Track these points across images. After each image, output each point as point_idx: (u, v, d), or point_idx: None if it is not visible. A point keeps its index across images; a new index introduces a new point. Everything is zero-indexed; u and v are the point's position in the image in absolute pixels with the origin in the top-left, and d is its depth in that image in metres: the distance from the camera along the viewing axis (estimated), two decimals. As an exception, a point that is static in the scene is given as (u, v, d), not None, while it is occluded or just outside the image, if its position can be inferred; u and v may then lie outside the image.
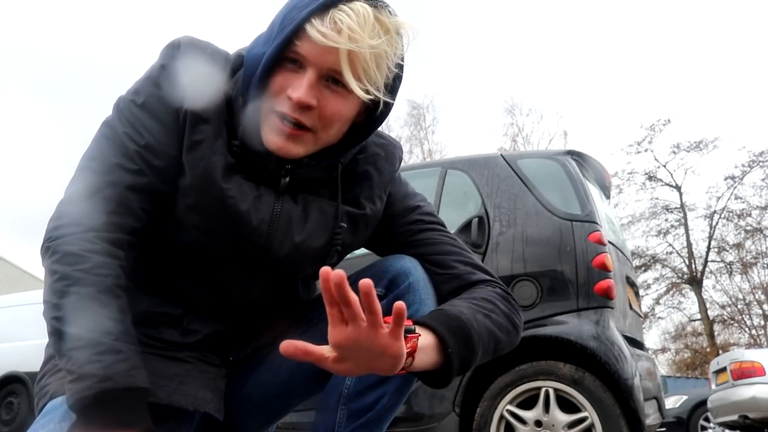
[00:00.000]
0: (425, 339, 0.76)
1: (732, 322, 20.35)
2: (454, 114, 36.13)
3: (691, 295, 19.90)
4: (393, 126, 21.24)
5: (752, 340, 19.67)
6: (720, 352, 16.34)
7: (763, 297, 19.46)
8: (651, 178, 19.57)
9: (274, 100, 0.81)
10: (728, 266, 19.61)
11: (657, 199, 19.75)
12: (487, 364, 2.62)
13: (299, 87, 0.79)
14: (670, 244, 19.75)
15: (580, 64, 33.54)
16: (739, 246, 19.27)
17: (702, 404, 8.27)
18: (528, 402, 2.56)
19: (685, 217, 19.41)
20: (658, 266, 20.06)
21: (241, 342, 0.98)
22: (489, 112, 43.15)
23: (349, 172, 0.95)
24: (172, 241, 0.88)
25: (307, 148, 0.85)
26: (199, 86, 0.85)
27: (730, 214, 19.05)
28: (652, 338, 22.54)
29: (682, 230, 19.56)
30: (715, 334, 19.70)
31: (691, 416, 8.61)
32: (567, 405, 2.50)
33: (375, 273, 0.95)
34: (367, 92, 0.80)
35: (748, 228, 18.96)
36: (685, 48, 34.31)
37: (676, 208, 19.57)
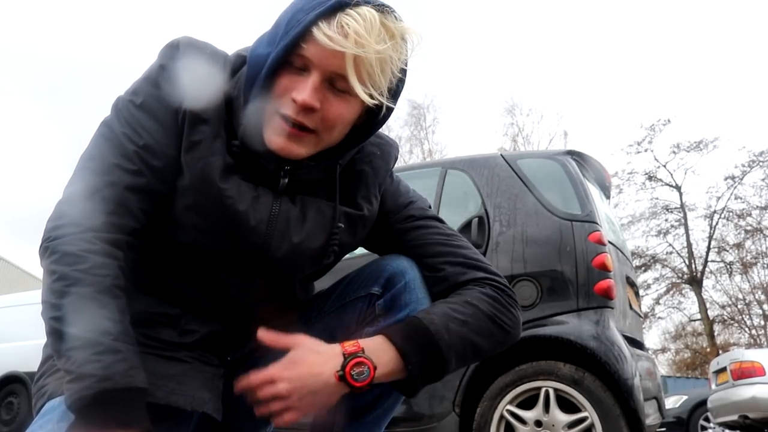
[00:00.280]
0: (383, 350, 0.83)
1: (732, 322, 20.36)
2: (454, 114, 36.16)
3: (691, 295, 19.91)
4: (393, 126, 21.24)
5: (752, 340, 19.67)
6: (720, 352, 16.34)
7: (763, 297, 19.46)
8: (651, 178, 19.57)
9: (278, 101, 0.81)
10: (728, 266, 19.62)
11: (657, 199, 19.78)
12: (487, 364, 2.63)
13: (304, 89, 0.79)
14: (670, 244, 19.77)
15: (580, 65, 33.58)
16: (739, 246, 19.28)
17: (702, 404, 8.27)
18: (528, 402, 2.56)
19: (685, 217, 19.42)
20: (658, 266, 20.07)
21: (239, 342, 0.98)
22: (489, 112, 43.19)
23: (346, 171, 0.95)
24: (170, 241, 0.88)
25: (309, 150, 0.85)
26: (198, 86, 0.85)
27: (730, 214, 19.07)
28: (652, 338, 22.58)
29: (682, 230, 19.57)
30: (715, 334, 19.70)
31: (691, 416, 8.61)
32: (567, 405, 2.50)
33: (372, 273, 0.96)
34: (371, 97, 0.81)
35: (748, 228, 18.97)
36: (685, 48, 34.33)
37: (676, 208, 19.58)
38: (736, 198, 18.75)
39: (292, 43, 0.79)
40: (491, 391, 2.59)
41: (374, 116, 0.88)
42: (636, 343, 2.92)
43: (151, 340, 0.87)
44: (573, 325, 2.57)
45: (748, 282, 19.64)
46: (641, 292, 14.93)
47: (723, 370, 7.00)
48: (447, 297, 0.93)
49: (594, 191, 3.08)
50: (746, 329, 20.23)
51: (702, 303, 19.26)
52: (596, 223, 2.76)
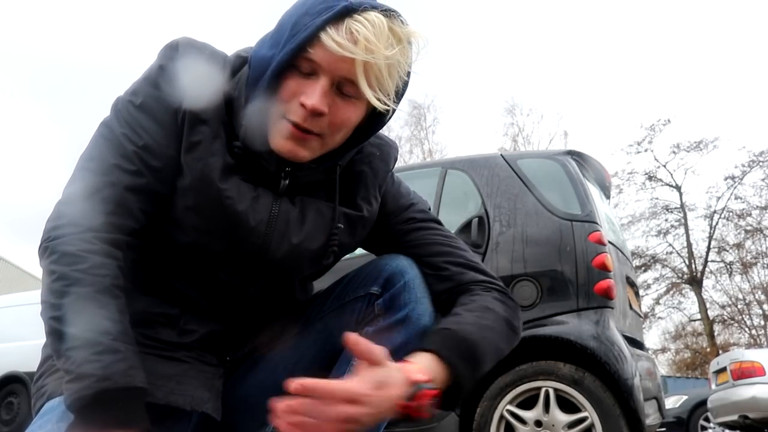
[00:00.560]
0: (439, 371, 0.79)
1: (732, 322, 20.36)
2: (454, 114, 36.19)
3: (691, 295, 19.92)
4: (393, 126, 21.22)
5: (752, 340, 19.67)
6: (720, 352, 16.34)
7: (763, 297, 19.46)
8: (651, 178, 19.58)
9: (285, 105, 0.81)
10: (728, 266, 19.62)
11: (657, 199, 19.78)
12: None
13: (312, 94, 0.79)
14: (670, 244, 19.78)
15: (581, 65, 33.58)
16: (739, 246, 19.28)
17: (702, 404, 8.27)
18: (528, 402, 2.56)
19: (685, 217, 19.42)
20: (658, 266, 20.07)
21: (238, 342, 0.98)
22: (489, 112, 43.24)
23: (346, 172, 0.95)
24: (170, 242, 0.88)
25: (314, 152, 0.85)
26: (198, 87, 0.85)
27: (730, 214, 19.07)
28: (652, 338, 22.58)
29: (682, 230, 19.57)
30: (715, 334, 19.70)
31: (691, 416, 8.61)
32: (567, 405, 2.50)
33: (371, 272, 0.96)
34: (380, 101, 0.81)
35: (748, 228, 18.97)
36: (685, 48, 34.34)
37: (676, 208, 19.58)
38: (736, 198, 18.77)
39: (299, 47, 0.78)
40: (491, 391, 2.59)
41: (376, 117, 0.88)
42: (636, 343, 2.92)
43: (150, 340, 0.87)
44: (573, 325, 2.57)
45: (748, 282, 19.66)
46: (641, 292, 14.93)
47: (723, 370, 7.00)
48: (457, 302, 0.93)
49: (594, 191, 3.08)
50: (746, 329, 20.25)
51: (702, 303, 19.26)
52: (596, 223, 2.76)
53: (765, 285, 19.37)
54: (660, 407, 3.00)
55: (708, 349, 19.15)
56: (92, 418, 0.69)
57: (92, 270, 0.74)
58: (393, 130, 21.20)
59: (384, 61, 0.78)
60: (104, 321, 0.73)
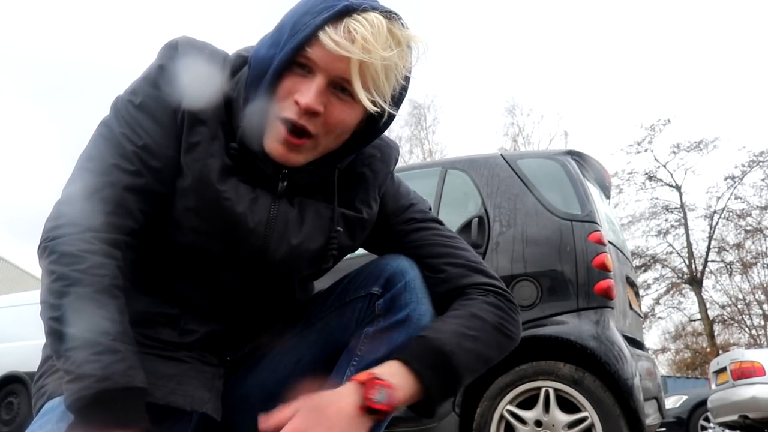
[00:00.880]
0: (401, 375, 0.81)
1: (732, 322, 20.35)
2: (454, 114, 36.18)
3: (691, 295, 19.91)
4: (393, 126, 21.02)
5: (752, 340, 19.67)
6: (720, 352, 16.34)
7: (763, 297, 19.46)
8: (651, 178, 19.57)
9: (281, 104, 0.81)
10: (728, 266, 19.62)
11: (657, 199, 19.78)
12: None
13: (307, 92, 0.78)
14: (670, 244, 19.78)
15: (581, 65, 33.58)
16: (739, 246, 19.28)
17: (702, 404, 8.26)
18: (528, 402, 2.56)
19: (685, 217, 19.42)
20: (658, 266, 20.07)
21: (239, 342, 0.98)
22: (490, 112, 43.22)
23: (346, 174, 0.95)
24: (169, 242, 0.88)
25: (307, 157, 0.84)
26: (197, 87, 0.84)
27: (730, 214, 19.07)
28: (652, 338, 22.58)
29: (682, 230, 19.57)
30: (715, 334, 19.70)
31: (691, 416, 8.61)
32: (567, 405, 2.50)
33: (371, 272, 0.95)
34: (375, 103, 0.80)
35: (748, 228, 18.97)
36: (685, 48, 34.33)
37: (676, 208, 19.58)
38: (736, 198, 18.77)
39: (298, 46, 0.78)
40: (491, 391, 2.59)
41: (375, 122, 0.88)
42: (636, 343, 2.92)
43: (150, 340, 0.87)
44: (573, 325, 2.57)
45: (748, 282, 19.66)
46: (641, 292, 14.93)
47: (723, 370, 7.00)
48: (451, 306, 0.94)
49: (594, 191, 3.07)
50: (746, 329, 20.24)
51: (702, 303, 19.26)
52: (596, 223, 2.76)
53: (765, 285, 19.37)
54: (660, 407, 3.00)
55: (708, 349, 19.15)
56: (92, 419, 0.69)
57: (91, 270, 0.74)
58: (393, 130, 21.18)
59: (381, 62, 0.77)
60: (103, 321, 0.73)
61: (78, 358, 0.70)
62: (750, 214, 18.83)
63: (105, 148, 0.82)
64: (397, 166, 1.04)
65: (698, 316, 19.80)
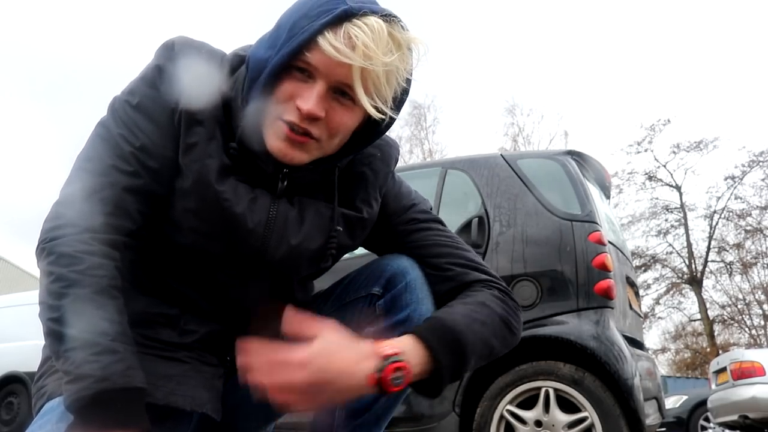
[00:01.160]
0: (416, 351, 0.79)
1: (732, 322, 20.35)
2: (454, 114, 36.19)
3: (691, 295, 19.91)
4: (393, 126, 21.14)
5: (752, 340, 19.66)
6: (720, 352, 16.34)
7: (763, 297, 19.46)
8: (651, 178, 19.57)
9: (281, 107, 0.80)
10: (728, 266, 19.61)
11: (657, 199, 19.78)
12: (487, 364, 2.62)
13: (309, 98, 0.78)
14: (670, 244, 19.77)
15: (581, 65, 33.58)
16: (739, 246, 19.28)
17: (702, 404, 8.26)
18: (528, 402, 2.56)
19: (685, 217, 19.42)
20: (658, 266, 20.07)
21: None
22: (490, 112, 43.25)
23: (346, 173, 0.95)
24: (169, 243, 0.87)
25: (310, 156, 0.84)
26: (194, 87, 0.84)
27: (730, 214, 19.07)
28: (652, 338, 22.57)
29: (682, 230, 19.57)
30: (715, 334, 19.70)
31: (691, 416, 8.61)
32: (567, 405, 2.50)
33: (372, 272, 0.95)
34: (376, 108, 0.80)
35: (748, 228, 18.97)
36: (685, 48, 34.33)
37: (676, 208, 19.58)
38: (736, 198, 18.77)
39: (295, 50, 0.77)
40: (491, 391, 2.59)
41: (375, 122, 0.87)
42: (636, 343, 2.92)
43: (150, 340, 0.87)
44: (573, 325, 2.57)
45: (748, 282, 19.66)
46: (641, 292, 14.92)
47: (723, 370, 7.00)
48: (455, 297, 0.93)
49: (594, 191, 3.07)
50: (746, 329, 20.24)
51: (702, 303, 19.26)
52: (596, 223, 2.76)
53: (765, 285, 19.37)
54: (660, 407, 3.00)
55: (708, 349, 19.14)
56: (92, 419, 0.69)
57: (90, 271, 0.74)
58: (393, 130, 20.86)
59: (382, 68, 0.77)
60: (102, 322, 0.73)
61: (77, 358, 0.70)
62: (750, 214, 18.85)
63: (103, 149, 0.82)
64: (397, 165, 1.04)
65: (698, 316, 19.81)
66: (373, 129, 0.89)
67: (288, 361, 0.72)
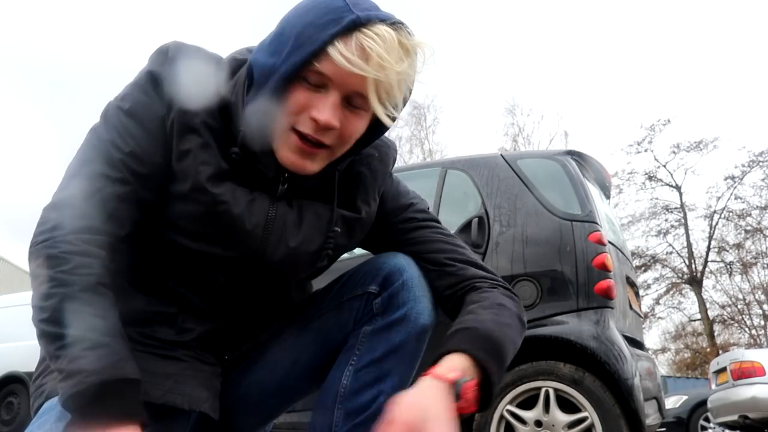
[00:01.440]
0: (471, 368, 0.80)
1: (732, 322, 20.35)
2: (454, 114, 36.20)
3: (691, 295, 19.91)
4: (393, 126, 21.21)
5: (752, 340, 19.66)
6: (720, 352, 16.33)
7: (763, 297, 19.46)
8: (651, 178, 19.57)
9: (294, 117, 0.80)
10: (728, 266, 19.61)
11: (657, 199, 19.78)
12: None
13: (324, 109, 0.78)
14: (670, 244, 19.77)
15: (581, 65, 33.58)
16: (739, 246, 19.28)
17: (702, 404, 8.26)
18: (528, 402, 2.55)
19: (685, 217, 19.42)
20: (658, 266, 20.07)
21: (237, 340, 0.98)
22: (490, 112, 43.28)
23: (344, 174, 0.95)
24: (168, 245, 0.87)
25: (321, 164, 0.84)
26: (188, 93, 0.83)
27: (730, 214, 19.07)
28: (652, 338, 22.58)
29: (682, 230, 19.57)
30: (715, 334, 19.70)
31: (691, 416, 8.60)
32: (567, 405, 2.50)
33: (369, 271, 0.95)
34: (389, 115, 0.80)
35: (748, 228, 18.97)
36: (685, 48, 34.34)
37: (676, 208, 19.58)
38: (736, 198, 18.77)
39: (305, 60, 0.77)
40: (491, 391, 2.59)
41: (378, 124, 0.87)
42: (636, 343, 2.92)
43: (148, 338, 0.87)
44: (573, 325, 2.57)
45: (748, 282, 19.66)
46: (641, 292, 14.93)
47: (723, 370, 7.00)
48: (465, 300, 0.94)
49: (594, 191, 3.07)
50: (746, 329, 20.24)
51: (702, 303, 19.26)
52: (596, 223, 2.76)
53: (765, 285, 19.37)
54: (660, 407, 3.00)
55: (708, 349, 19.15)
56: (88, 414, 0.69)
57: (76, 270, 0.74)
58: (393, 130, 21.12)
59: (396, 77, 0.77)
60: (91, 318, 0.72)
61: (68, 355, 0.70)
62: (750, 214, 18.85)
63: (93, 156, 0.82)
64: (397, 165, 1.04)
65: (698, 316, 19.81)
66: (374, 130, 0.89)
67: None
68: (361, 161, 0.96)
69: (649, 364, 3.02)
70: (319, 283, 1.05)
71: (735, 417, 6.62)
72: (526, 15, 33.43)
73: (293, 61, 0.77)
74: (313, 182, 0.90)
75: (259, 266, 0.90)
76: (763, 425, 6.53)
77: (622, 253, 3.16)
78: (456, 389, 0.77)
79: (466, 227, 2.90)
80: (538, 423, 2.50)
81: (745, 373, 6.60)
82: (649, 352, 4.09)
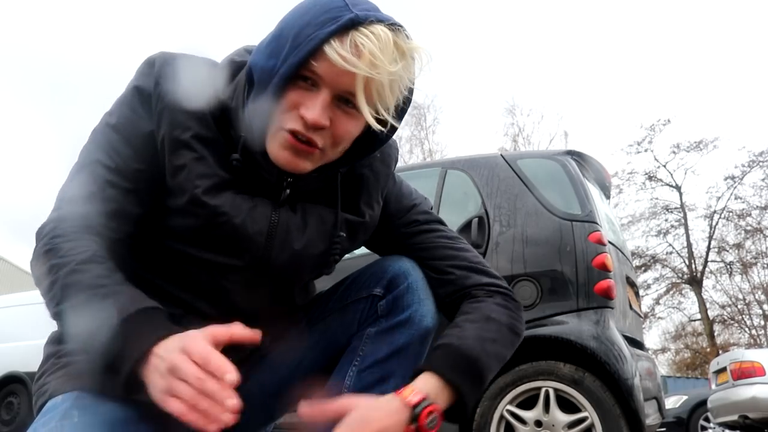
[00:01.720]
0: (439, 389, 0.83)
1: (732, 322, 20.35)
2: (454, 114, 36.19)
3: (691, 295, 19.91)
4: (393, 127, 21.19)
5: (752, 340, 19.66)
6: (720, 352, 16.33)
7: (763, 297, 19.46)
8: (651, 178, 19.58)
9: (284, 116, 0.79)
10: (728, 266, 19.61)
11: (657, 199, 19.78)
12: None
13: (313, 107, 0.77)
14: (670, 244, 19.78)
15: (581, 65, 33.59)
16: (739, 246, 19.28)
17: (702, 404, 8.26)
18: (528, 402, 2.56)
19: (685, 217, 19.42)
20: (658, 266, 20.07)
21: (241, 343, 0.97)
22: (489, 112, 43.26)
23: (347, 176, 0.94)
24: (172, 254, 0.87)
25: (314, 164, 0.84)
26: (177, 106, 0.82)
27: (730, 214, 19.07)
28: (652, 338, 22.58)
29: (682, 230, 19.57)
30: (715, 334, 19.70)
31: (691, 416, 8.60)
32: (567, 405, 2.50)
33: (374, 273, 0.96)
34: (378, 118, 0.79)
35: (748, 228, 18.97)
36: (685, 48, 34.34)
37: (676, 208, 19.58)
38: (736, 198, 18.77)
39: (303, 60, 0.76)
40: (491, 391, 2.60)
41: (376, 130, 0.87)
42: (636, 343, 2.92)
43: None
44: (573, 325, 2.57)
45: (748, 282, 19.66)
46: (641, 292, 14.92)
47: (723, 370, 7.00)
48: (460, 308, 0.95)
49: (594, 191, 3.08)
50: (746, 329, 20.24)
51: (702, 303, 19.26)
52: (596, 223, 2.76)
53: (765, 285, 19.37)
54: (660, 407, 3.00)
55: (708, 349, 19.15)
56: (134, 337, 0.68)
57: (71, 252, 0.75)
58: (393, 130, 21.11)
59: (387, 77, 0.76)
60: (95, 279, 0.73)
61: (89, 310, 0.70)
62: (750, 214, 18.85)
63: (81, 175, 0.83)
64: (397, 166, 1.03)
65: (698, 316, 19.81)
66: (375, 135, 0.88)
67: None
68: (363, 163, 0.95)
69: (649, 364, 3.03)
70: (323, 284, 1.05)
71: (735, 417, 6.62)
72: (526, 15, 33.45)
73: (291, 62, 0.77)
74: (316, 185, 0.90)
75: (264, 272, 0.90)
76: (763, 425, 6.54)
77: (622, 253, 3.17)
78: (415, 412, 0.79)
79: (466, 227, 2.90)
80: (538, 423, 2.50)
81: (745, 373, 6.60)
82: (649, 352, 4.09)
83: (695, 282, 19.26)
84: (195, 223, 0.84)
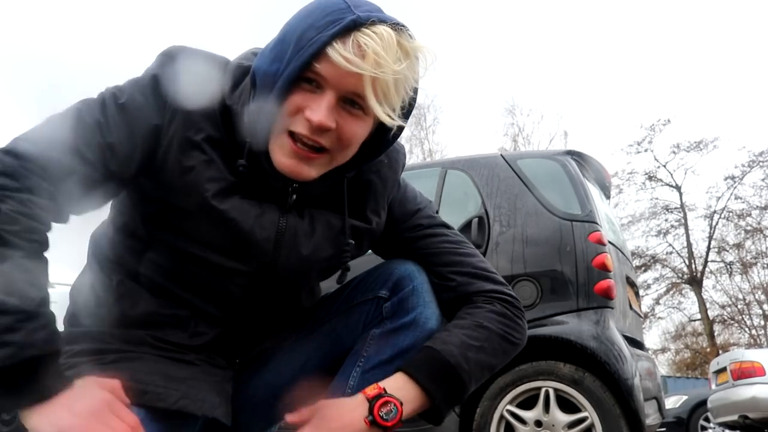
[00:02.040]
0: (406, 387, 0.86)
1: (732, 322, 20.36)
2: (454, 114, 36.20)
3: (691, 295, 19.92)
4: (393, 126, 21.20)
5: (752, 340, 19.67)
6: (720, 352, 16.33)
7: (763, 297, 19.47)
8: (651, 178, 19.57)
9: (289, 119, 0.79)
10: (728, 266, 19.62)
11: (657, 199, 19.78)
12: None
13: (318, 109, 0.77)
14: (670, 244, 19.78)
15: (581, 65, 33.59)
16: (739, 246, 19.28)
17: (702, 404, 8.26)
18: (528, 402, 2.56)
19: (685, 217, 19.42)
20: (658, 266, 20.07)
21: (247, 344, 0.98)
22: (489, 112, 43.30)
23: (354, 182, 0.94)
24: (180, 256, 0.87)
25: (320, 170, 0.83)
26: (190, 109, 0.81)
27: (730, 214, 19.08)
28: (652, 338, 22.56)
29: (682, 230, 19.57)
30: (715, 334, 19.71)
31: (691, 416, 8.61)
32: (567, 405, 2.50)
33: (379, 276, 0.96)
34: (388, 115, 0.79)
35: (748, 228, 18.98)
36: (685, 48, 34.35)
37: (676, 208, 19.58)
38: (736, 198, 18.78)
39: (306, 62, 0.76)
40: (491, 391, 2.60)
41: (383, 132, 0.86)
42: (636, 343, 2.92)
43: (160, 342, 0.87)
44: (573, 325, 2.57)
45: (748, 282, 19.67)
46: (641, 292, 14.92)
47: (723, 370, 7.00)
48: (457, 314, 0.95)
49: (594, 191, 3.08)
50: (746, 329, 20.25)
51: (702, 303, 19.27)
52: (596, 223, 2.76)
53: (765, 285, 19.38)
54: (660, 407, 3.01)
55: (708, 349, 19.15)
56: (17, 386, 0.68)
57: (23, 234, 0.69)
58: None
59: (392, 76, 0.76)
60: (28, 288, 0.68)
61: (3, 323, 0.66)
62: (750, 214, 18.86)
63: (75, 126, 0.77)
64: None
65: (698, 316, 19.82)
66: (381, 138, 0.87)
67: None
68: (370, 168, 0.95)
69: (649, 364, 3.03)
70: (327, 285, 1.05)
71: (735, 417, 6.62)
72: (526, 15, 33.45)
73: (295, 65, 0.76)
74: (321, 190, 0.89)
75: (271, 276, 0.90)
76: (763, 425, 6.54)
77: (622, 253, 3.17)
78: (371, 405, 0.83)
79: (466, 227, 2.90)
80: (538, 423, 2.50)
81: (745, 373, 6.60)
82: (649, 352, 4.09)
83: (695, 282, 19.27)
84: (204, 226, 0.84)
